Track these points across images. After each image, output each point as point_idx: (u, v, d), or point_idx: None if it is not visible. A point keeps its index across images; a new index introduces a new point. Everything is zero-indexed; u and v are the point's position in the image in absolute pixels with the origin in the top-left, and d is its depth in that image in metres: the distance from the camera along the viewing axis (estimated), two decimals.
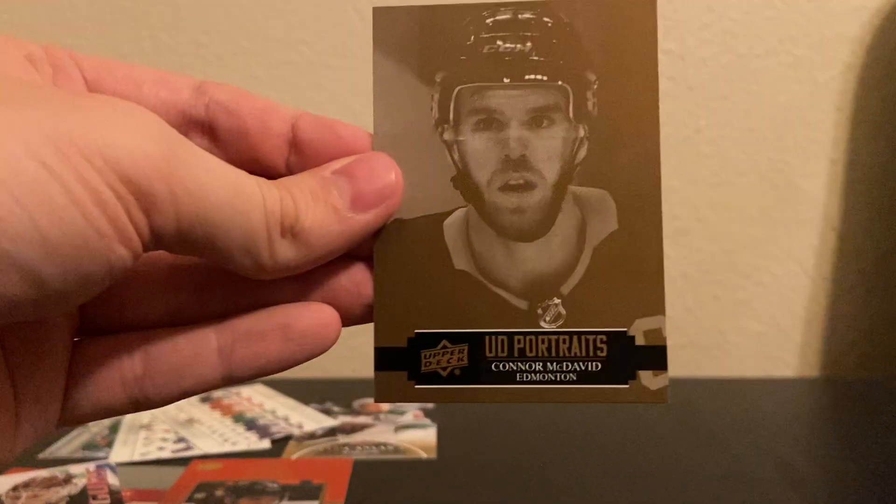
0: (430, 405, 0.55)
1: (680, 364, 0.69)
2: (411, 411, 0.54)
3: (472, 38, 0.23)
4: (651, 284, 0.23)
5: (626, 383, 0.23)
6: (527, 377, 0.23)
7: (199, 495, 0.40)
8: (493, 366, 0.23)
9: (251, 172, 0.20)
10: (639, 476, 0.42)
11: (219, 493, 0.40)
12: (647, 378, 0.23)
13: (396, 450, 0.46)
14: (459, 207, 0.23)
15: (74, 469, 0.43)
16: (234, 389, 0.59)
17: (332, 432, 0.50)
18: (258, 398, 0.57)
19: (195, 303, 0.23)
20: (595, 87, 0.23)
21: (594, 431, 0.49)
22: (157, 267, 0.23)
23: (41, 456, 0.46)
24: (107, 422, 0.52)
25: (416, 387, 0.23)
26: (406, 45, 0.23)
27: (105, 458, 0.45)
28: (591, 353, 0.23)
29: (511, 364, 0.23)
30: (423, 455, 0.46)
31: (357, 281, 0.23)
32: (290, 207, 0.20)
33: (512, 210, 0.23)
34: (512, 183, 0.23)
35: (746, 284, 0.68)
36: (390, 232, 0.23)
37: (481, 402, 0.23)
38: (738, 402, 0.55)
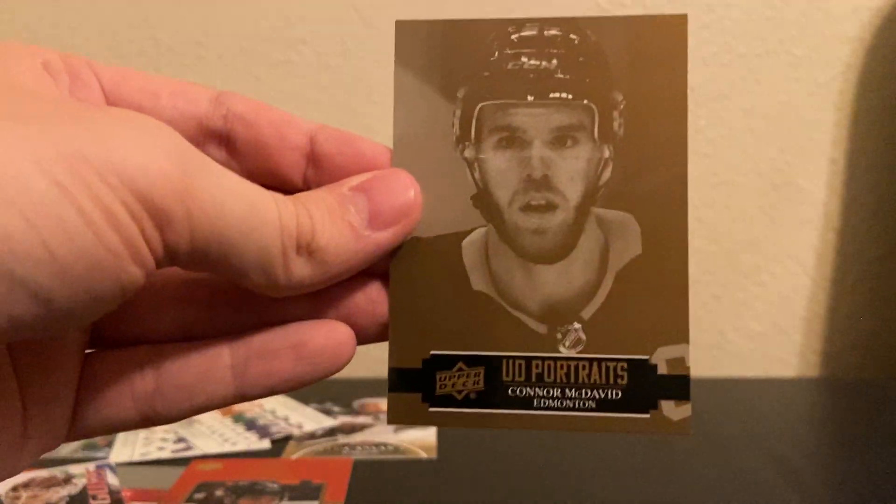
0: None
1: None
2: None
3: (497, 53, 0.23)
4: (675, 312, 0.22)
5: (647, 412, 0.22)
6: (544, 403, 0.22)
7: (199, 495, 0.40)
8: (509, 390, 0.22)
9: (268, 185, 0.20)
10: (638, 476, 0.42)
11: (219, 493, 0.40)
12: (668, 408, 0.22)
13: (396, 450, 0.46)
14: (479, 227, 0.23)
15: (74, 469, 0.43)
16: None
17: (331, 432, 0.50)
18: None
19: (207, 318, 0.22)
20: (622, 107, 0.22)
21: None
22: (169, 281, 0.22)
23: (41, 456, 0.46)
24: None
25: (431, 409, 0.23)
26: (428, 59, 0.23)
27: (105, 458, 0.45)
28: (612, 381, 0.22)
29: (528, 389, 0.22)
30: (423, 455, 0.46)
31: (373, 299, 0.22)
32: (306, 225, 0.20)
33: (533, 231, 0.23)
34: (533, 203, 0.23)
35: (746, 284, 0.68)
36: (407, 250, 0.23)
37: (497, 427, 0.22)
38: (738, 402, 0.55)
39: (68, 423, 0.21)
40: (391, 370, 0.23)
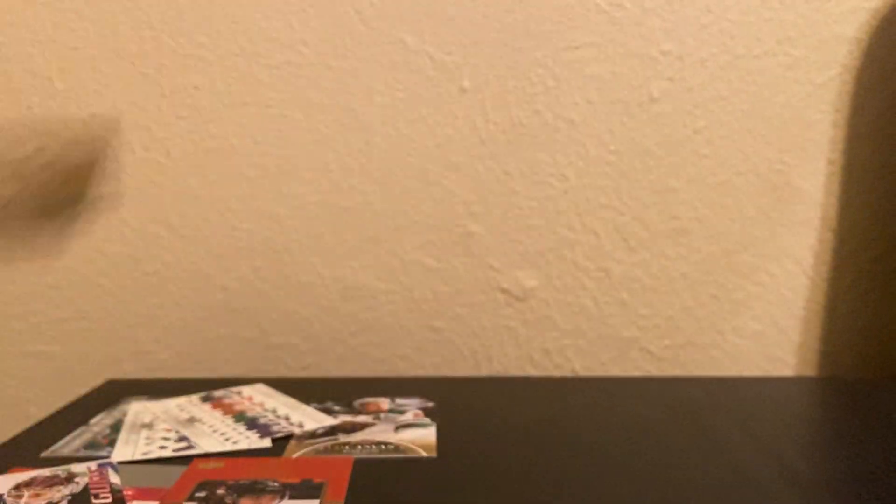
0: (430, 403, 0.55)
1: (679, 363, 0.69)
2: (411, 410, 0.54)
3: None
4: None
5: None
6: None
7: (201, 494, 0.40)
8: None
9: None
10: (638, 475, 0.42)
11: (220, 491, 0.40)
12: None
13: (397, 449, 0.47)
14: None
15: (76, 468, 0.43)
16: (235, 389, 0.59)
17: (332, 431, 0.50)
18: (259, 397, 0.57)
19: None
20: None
21: (594, 431, 0.49)
22: None
23: (43, 455, 0.46)
24: (109, 421, 0.52)
25: None
26: None
27: (107, 456, 0.45)
28: None
29: None
30: (423, 454, 0.46)
31: None
32: None
33: None
34: None
35: (745, 284, 0.69)
36: None
37: None
38: (737, 402, 0.55)
39: None
40: None
